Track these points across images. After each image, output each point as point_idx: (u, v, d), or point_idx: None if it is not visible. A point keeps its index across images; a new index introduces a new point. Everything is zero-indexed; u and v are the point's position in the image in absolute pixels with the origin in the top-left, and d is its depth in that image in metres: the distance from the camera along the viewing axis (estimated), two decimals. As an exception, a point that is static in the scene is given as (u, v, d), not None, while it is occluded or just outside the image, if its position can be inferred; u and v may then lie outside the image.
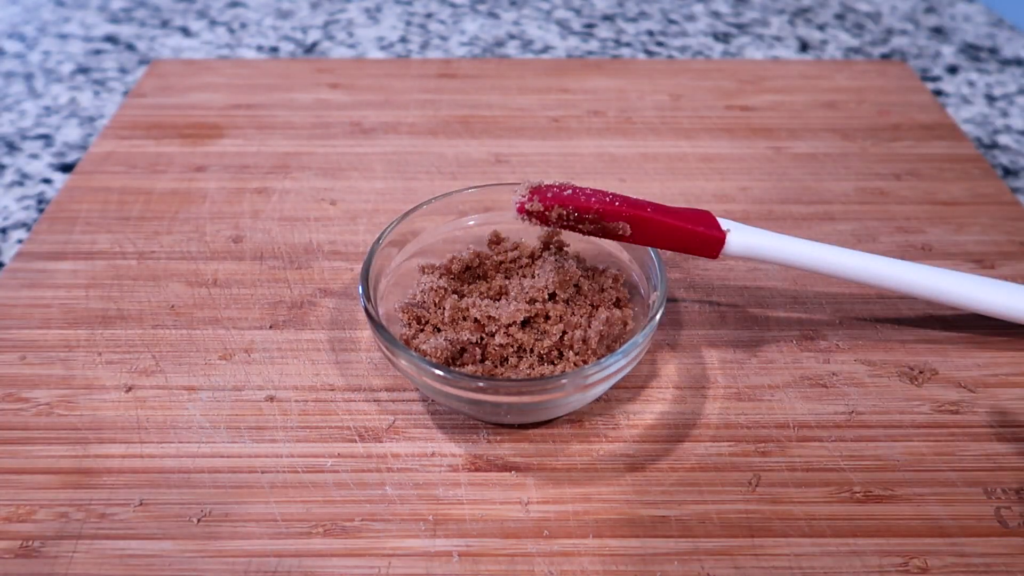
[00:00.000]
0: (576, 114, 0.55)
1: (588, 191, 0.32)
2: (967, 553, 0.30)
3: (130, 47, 0.65)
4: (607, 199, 0.32)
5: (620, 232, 0.32)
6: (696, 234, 0.33)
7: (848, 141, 0.52)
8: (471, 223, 0.40)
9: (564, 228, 0.32)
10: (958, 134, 0.53)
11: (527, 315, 0.34)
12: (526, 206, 0.32)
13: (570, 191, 0.32)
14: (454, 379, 0.30)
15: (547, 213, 0.32)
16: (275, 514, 0.31)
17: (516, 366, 0.34)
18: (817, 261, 0.35)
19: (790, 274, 0.42)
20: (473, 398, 0.31)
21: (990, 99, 0.58)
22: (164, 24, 0.68)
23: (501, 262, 0.38)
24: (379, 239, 0.36)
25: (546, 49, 0.65)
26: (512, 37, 0.66)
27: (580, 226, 0.32)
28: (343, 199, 0.47)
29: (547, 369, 0.33)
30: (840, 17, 0.69)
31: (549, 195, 0.32)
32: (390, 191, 0.48)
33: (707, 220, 0.34)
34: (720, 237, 0.34)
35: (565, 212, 0.32)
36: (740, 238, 0.34)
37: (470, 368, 0.33)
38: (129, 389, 0.36)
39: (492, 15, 0.70)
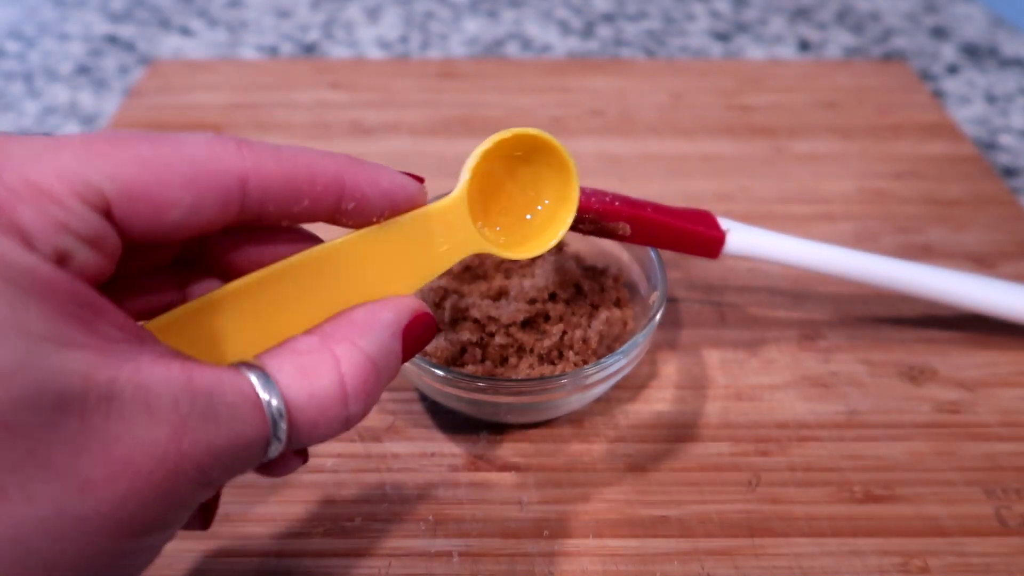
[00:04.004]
0: (576, 114, 0.55)
1: (588, 191, 0.32)
2: (967, 553, 0.30)
3: (130, 47, 0.65)
4: (607, 199, 0.32)
5: (620, 232, 0.32)
6: (696, 234, 0.33)
7: (848, 141, 0.52)
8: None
9: None
10: (958, 134, 0.53)
11: (527, 315, 0.34)
12: None
13: None
14: (454, 379, 0.30)
15: None
16: (275, 514, 0.31)
17: (516, 366, 0.34)
18: (817, 261, 0.35)
19: (790, 274, 0.42)
20: (473, 398, 0.31)
21: (990, 99, 0.58)
22: (164, 24, 0.68)
23: (501, 262, 0.38)
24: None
25: (546, 49, 0.65)
26: (512, 37, 0.66)
27: (580, 226, 0.32)
28: (343, 199, 0.47)
29: (547, 369, 0.33)
30: (840, 17, 0.69)
31: None
32: (390, 191, 0.48)
33: (707, 220, 0.34)
34: (720, 237, 0.34)
35: None
36: (740, 238, 0.34)
37: (470, 368, 0.33)
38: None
39: (492, 15, 0.70)
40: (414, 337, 0.20)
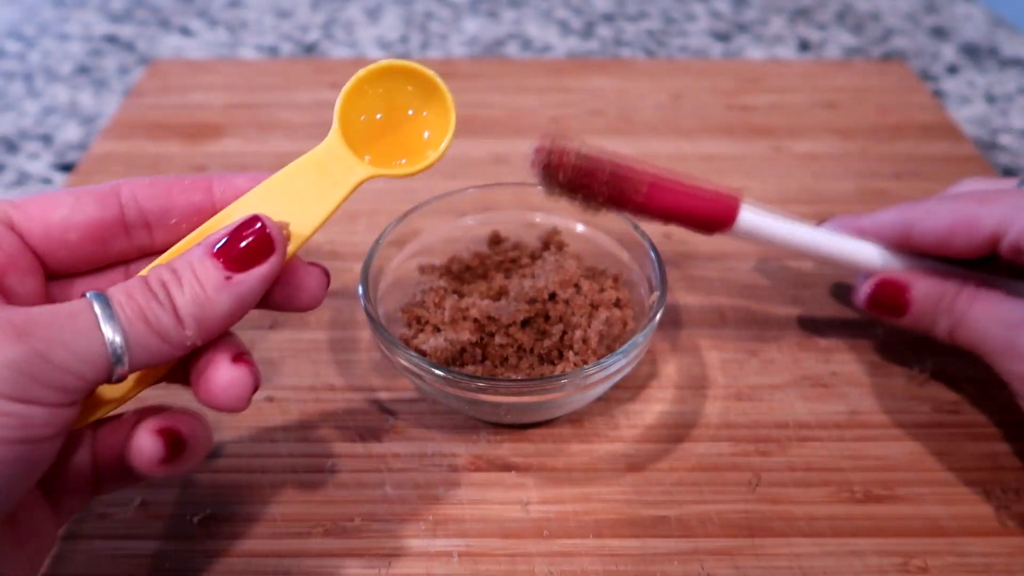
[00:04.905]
0: (576, 114, 0.55)
1: (605, 154, 0.32)
2: (967, 553, 0.30)
3: (130, 47, 0.65)
4: (621, 159, 0.32)
5: (636, 196, 0.31)
6: (710, 197, 0.33)
7: (848, 141, 0.52)
8: (471, 223, 0.40)
9: (576, 189, 0.32)
10: (958, 134, 0.53)
11: (527, 315, 0.34)
12: (543, 153, 0.31)
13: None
14: (454, 379, 0.30)
15: (563, 161, 0.31)
16: (275, 514, 0.31)
17: (516, 366, 0.34)
18: (832, 250, 0.34)
19: (790, 274, 0.42)
20: (473, 398, 0.31)
21: (990, 99, 0.58)
22: (164, 24, 0.68)
23: (501, 262, 0.38)
24: (379, 239, 0.36)
25: (546, 49, 0.65)
26: (512, 37, 0.66)
27: (596, 189, 0.31)
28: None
29: (547, 369, 0.33)
30: (840, 17, 0.69)
31: (564, 149, 0.31)
32: (390, 191, 0.48)
33: (723, 194, 0.33)
34: (735, 203, 0.33)
35: (580, 163, 0.31)
36: (755, 215, 0.33)
37: (470, 368, 0.33)
38: (129, 389, 0.36)
39: (492, 15, 0.70)
40: (230, 242, 0.23)
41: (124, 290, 0.22)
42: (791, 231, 0.34)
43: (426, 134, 0.27)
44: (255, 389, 0.24)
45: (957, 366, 0.37)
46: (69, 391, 0.21)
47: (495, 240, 0.39)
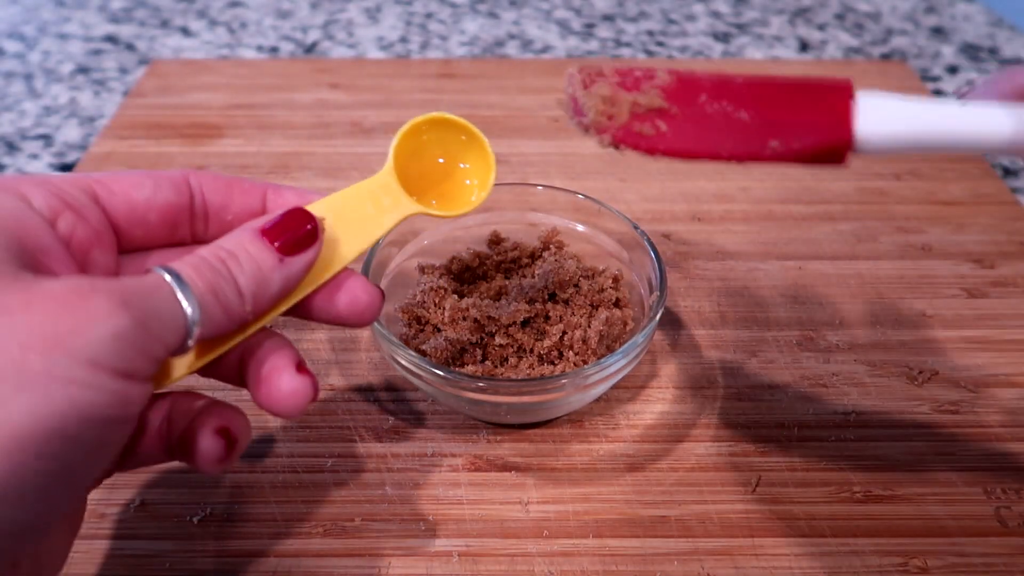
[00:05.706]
0: (576, 114, 0.55)
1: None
2: (967, 553, 0.30)
3: (130, 47, 0.65)
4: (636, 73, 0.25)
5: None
6: (792, 122, 0.23)
7: (848, 141, 0.52)
8: (471, 223, 0.40)
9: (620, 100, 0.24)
10: (958, 134, 0.53)
11: (527, 315, 0.34)
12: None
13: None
14: (454, 379, 0.30)
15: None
16: (275, 514, 0.31)
17: (516, 366, 0.34)
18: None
19: (790, 275, 0.42)
20: (473, 398, 0.31)
21: (990, 99, 0.58)
22: (164, 24, 0.68)
23: (501, 262, 0.38)
24: (379, 239, 0.36)
25: (546, 49, 0.65)
26: (512, 37, 0.66)
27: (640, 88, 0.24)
28: (343, 199, 0.47)
29: (547, 369, 0.33)
30: (840, 17, 0.69)
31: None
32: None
33: (829, 100, 0.23)
34: (845, 136, 0.22)
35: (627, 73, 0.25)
36: (884, 117, 0.23)
37: (470, 368, 0.33)
38: (129, 389, 0.36)
39: (492, 15, 0.70)
40: (280, 229, 0.24)
41: (191, 265, 0.22)
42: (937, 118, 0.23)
43: (467, 182, 0.29)
44: (314, 399, 0.25)
45: (957, 366, 0.37)
46: (156, 361, 0.21)
47: (495, 240, 0.39)
